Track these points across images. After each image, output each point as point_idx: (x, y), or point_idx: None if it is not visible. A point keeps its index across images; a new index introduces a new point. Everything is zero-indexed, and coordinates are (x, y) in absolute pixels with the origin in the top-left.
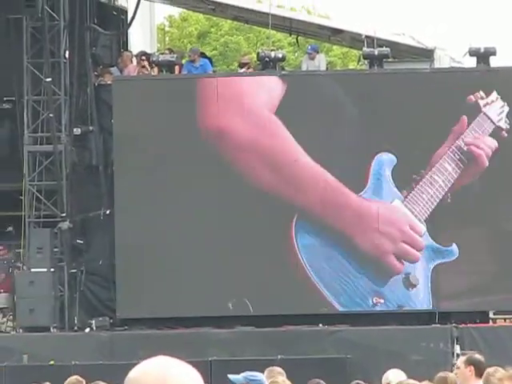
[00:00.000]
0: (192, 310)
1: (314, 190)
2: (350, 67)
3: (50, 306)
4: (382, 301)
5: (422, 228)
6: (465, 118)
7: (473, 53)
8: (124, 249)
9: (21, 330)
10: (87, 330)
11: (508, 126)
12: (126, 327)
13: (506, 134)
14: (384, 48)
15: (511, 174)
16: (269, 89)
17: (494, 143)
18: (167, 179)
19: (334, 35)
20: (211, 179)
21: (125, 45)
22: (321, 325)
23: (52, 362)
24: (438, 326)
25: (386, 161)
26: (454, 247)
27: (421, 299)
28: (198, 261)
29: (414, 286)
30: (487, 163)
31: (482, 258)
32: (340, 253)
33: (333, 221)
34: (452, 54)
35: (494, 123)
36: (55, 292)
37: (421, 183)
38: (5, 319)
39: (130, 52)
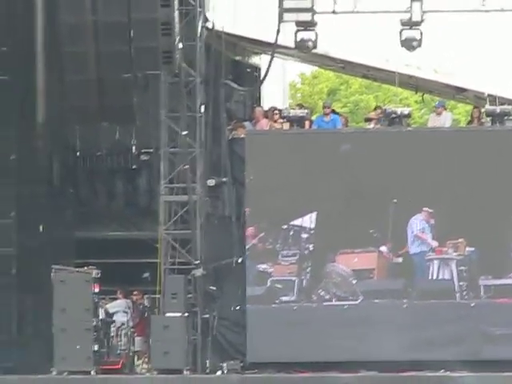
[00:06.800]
0: (319, 355)
1: None
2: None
3: (184, 349)
4: None
5: None
6: None
7: None
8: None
9: (155, 372)
10: (218, 372)
11: None
12: (256, 371)
13: None
14: (506, 106)
15: None
16: None
17: None
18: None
19: (458, 93)
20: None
21: (258, 100)
22: (443, 370)
23: None
24: None
25: None
26: None
27: None
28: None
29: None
30: None
31: None
32: None
33: None
34: None
35: None
36: (188, 336)
37: None
38: (140, 361)
39: (262, 107)
